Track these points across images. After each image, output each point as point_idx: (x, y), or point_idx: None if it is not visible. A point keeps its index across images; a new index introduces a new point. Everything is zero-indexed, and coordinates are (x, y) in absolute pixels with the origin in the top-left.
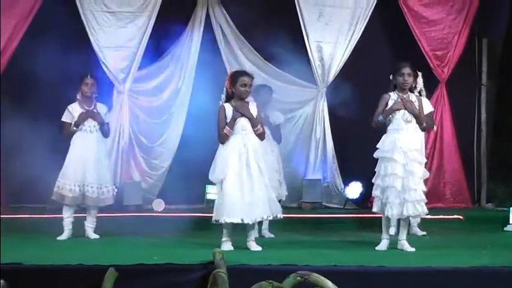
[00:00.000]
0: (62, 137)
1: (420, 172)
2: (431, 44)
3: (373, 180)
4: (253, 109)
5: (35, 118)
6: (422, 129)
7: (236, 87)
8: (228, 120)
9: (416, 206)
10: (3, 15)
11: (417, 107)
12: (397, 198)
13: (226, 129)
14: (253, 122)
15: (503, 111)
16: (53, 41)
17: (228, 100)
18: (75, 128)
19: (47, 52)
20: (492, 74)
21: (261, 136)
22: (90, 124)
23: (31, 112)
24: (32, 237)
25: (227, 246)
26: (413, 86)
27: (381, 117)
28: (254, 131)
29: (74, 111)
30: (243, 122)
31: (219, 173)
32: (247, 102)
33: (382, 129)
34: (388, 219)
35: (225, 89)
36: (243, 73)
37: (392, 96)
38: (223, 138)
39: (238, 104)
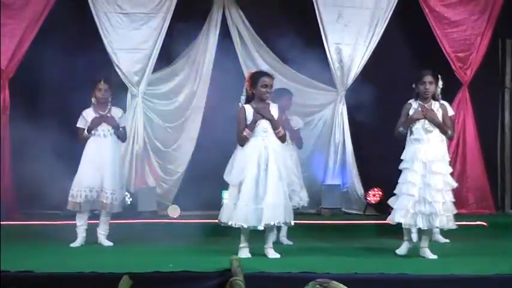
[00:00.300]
0: (77, 143)
1: (439, 184)
2: (454, 46)
3: (394, 192)
4: (274, 111)
5: (48, 122)
6: (448, 138)
7: (257, 88)
8: (248, 122)
9: (430, 220)
10: (14, 17)
11: (441, 116)
12: (412, 209)
13: (246, 132)
14: (274, 124)
15: None
16: (65, 43)
17: (248, 102)
18: (87, 134)
19: (59, 55)
20: None
21: (282, 139)
22: (104, 129)
23: (44, 116)
24: (44, 244)
25: (245, 253)
26: (437, 93)
27: (401, 129)
28: (275, 133)
29: (87, 116)
30: (264, 124)
31: (237, 175)
32: (268, 104)
33: (405, 139)
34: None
35: (245, 90)
36: (263, 73)
37: (414, 105)
38: (242, 141)
39: (259, 106)
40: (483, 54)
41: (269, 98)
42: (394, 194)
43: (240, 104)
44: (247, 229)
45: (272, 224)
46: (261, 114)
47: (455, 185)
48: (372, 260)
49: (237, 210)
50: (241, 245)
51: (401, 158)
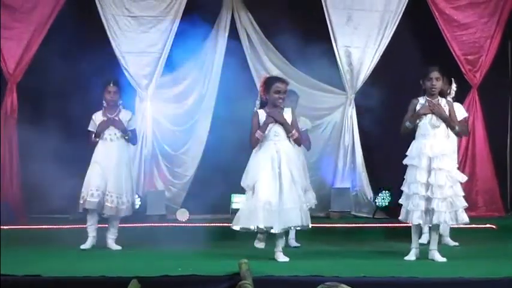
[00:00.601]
0: (86, 146)
1: (442, 181)
2: (463, 48)
3: (401, 188)
4: (287, 115)
5: (56, 126)
6: (456, 134)
7: (270, 93)
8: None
9: (434, 216)
10: (22, 21)
11: (447, 111)
12: (421, 206)
13: (258, 133)
14: (287, 128)
15: None
16: (72, 47)
17: (262, 107)
18: (95, 138)
19: (67, 58)
20: None
21: (297, 141)
22: (111, 132)
23: (51, 120)
24: (52, 248)
25: (260, 243)
26: (448, 91)
27: (408, 123)
28: (289, 136)
29: (96, 119)
30: (276, 128)
31: (250, 180)
32: (282, 109)
33: (411, 135)
34: (417, 228)
35: (259, 95)
36: (276, 79)
37: (421, 101)
38: (254, 143)
39: (272, 110)
40: (492, 57)
41: (282, 103)
42: (402, 191)
43: (254, 108)
44: (263, 229)
45: (289, 227)
46: (273, 117)
47: (462, 179)
48: (381, 263)
49: (254, 213)
50: (258, 236)
51: (407, 153)
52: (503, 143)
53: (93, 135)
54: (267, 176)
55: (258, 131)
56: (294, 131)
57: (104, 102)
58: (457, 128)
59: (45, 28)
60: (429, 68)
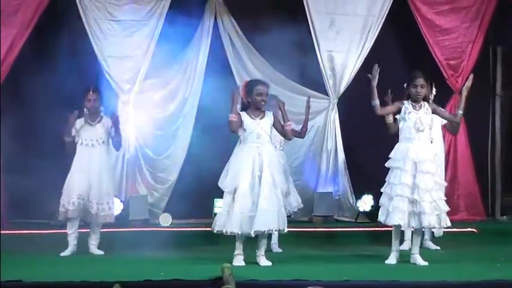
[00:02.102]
0: (68, 153)
1: (429, 184)
2: (445, 53)
3: (382, 189)
4: (269, 119)
5: (37, 130)
6: (454, 129)
7: (252, 97)
8: (244, 128)
9: (422, 219)
10: (4, 23)
11: (430, 116)
12: (404, 208)
13: (232, 116)
14: (286, 117)
15: None
16: (55, 51)
17: (244, 110)
18: (67, 138)
19: (49, 62)
20: (507, 83)
21: (287, 134)
22: (93, 138)
23: (34, 125)
24: (35, 253)
25: (239, 260)
26: (430, 96)
27: (375, 101)
28: (286, 125)
29: (78, 127)
30: (258, 131)
31: (231, 182)
32: (264, 112)
33: (394, 138)
34: (397, 231)
35: (240, 98)
36: (258, 82)
37: (406, 105)
38: (230, 126)
39: (255, 114)
40: (474, 62)
41: (264, 106)
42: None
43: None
44: (241, 236)
45: (264, 231)
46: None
47: (444, 184)
48: (364, 267)
49: (231, 217)
50: (236, 253)
51: (390, 156)
52: (485, 148)
53: (69, 137)
54: (248, 181)
55: (232, 115)
56: (289, 122)
57: (85, 109)
58: (458, 114)
59: (27, 31)
60: (415, 73)
